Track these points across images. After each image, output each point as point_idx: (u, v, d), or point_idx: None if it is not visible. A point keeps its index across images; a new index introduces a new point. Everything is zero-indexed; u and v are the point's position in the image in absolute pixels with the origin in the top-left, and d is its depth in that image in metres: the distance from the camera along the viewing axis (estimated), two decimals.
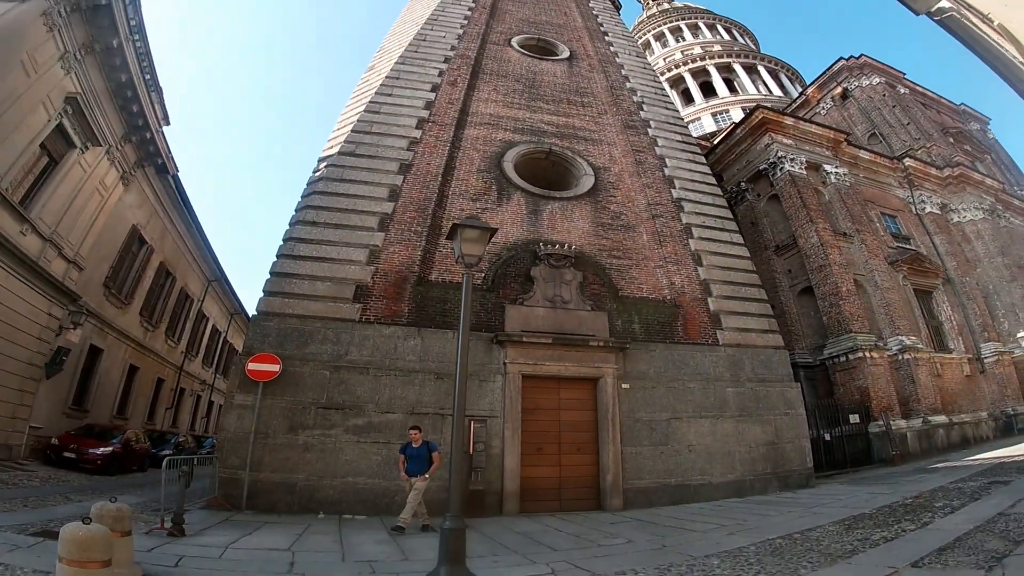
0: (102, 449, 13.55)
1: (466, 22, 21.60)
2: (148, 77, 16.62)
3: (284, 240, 11.24)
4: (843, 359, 17.07)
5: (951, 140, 29.69)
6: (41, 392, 13.77)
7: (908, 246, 22.23)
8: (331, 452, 8.76)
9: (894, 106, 28.79)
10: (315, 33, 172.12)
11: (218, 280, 25.90)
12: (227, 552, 5.83)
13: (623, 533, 7.47)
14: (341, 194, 12.44)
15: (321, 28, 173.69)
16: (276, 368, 8.95)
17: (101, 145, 15.06)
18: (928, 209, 24.13)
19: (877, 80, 29.70)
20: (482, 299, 11.31)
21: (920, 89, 32.48)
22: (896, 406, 16.52)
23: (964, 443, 17.63)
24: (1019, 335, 21.07)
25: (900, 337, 18.00)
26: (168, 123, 18.37)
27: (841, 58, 30.37)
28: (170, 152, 18.04)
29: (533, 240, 12.89)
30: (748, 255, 15.30)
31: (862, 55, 30.05)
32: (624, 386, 11.23)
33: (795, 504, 9.30)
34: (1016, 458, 12.92)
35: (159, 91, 17.60)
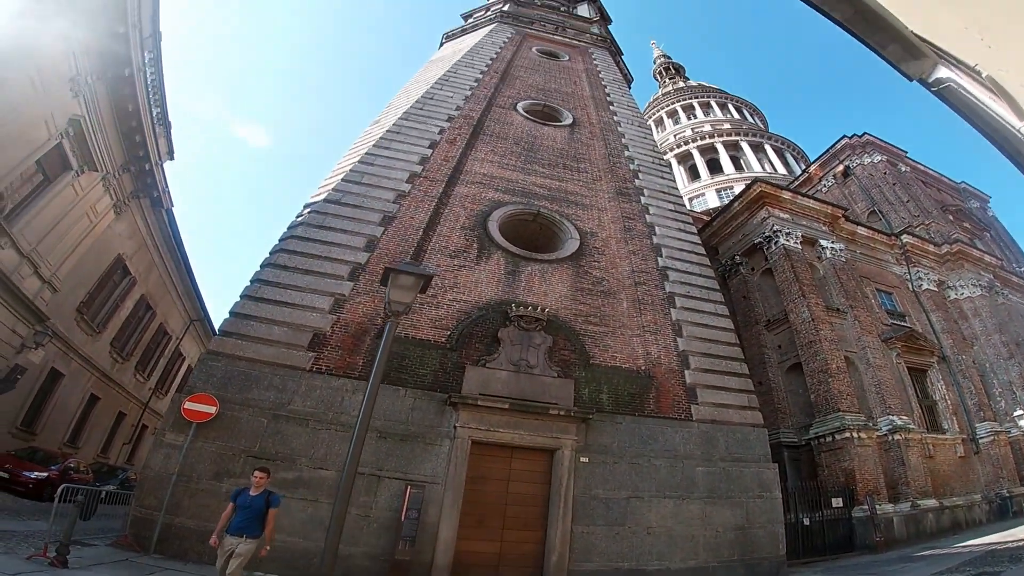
0: (36, 473, 13.22)
1: (476, 84, 22.39)
2: (157, 111, 17.10)
3: (251, 281, 11.20)
4: (829, 439, 16.33)
5: (950, 217, 29.86)
6: None
7: (903, 323, 21.82)
8: None
9: (894, 184, 29.14)
10: (343, 76, 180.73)
11: (200, 320, 25.81)
12: None
13: None
14: (318, 240, 12.48)
15: (347, 77, 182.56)
16: (212, 410, 8.71)
17: (98, 171, 15.23)
18: (925, 286, 23.88)
19: (879, 158, 30.24)
20: (442, 358, 11.04)
21: (921, 167, 33.05)
22: (883, 489, 15.69)
23: (955, 527, 16.57)
24: (1016, 414, 20.20)
25: (891, 417, 17.32)
26: (172, 158, 18.81)
27: (844, 136, 31.12)
28: (167, 187, 18.38)
29: (506, 301, 12.71)
30: (732, 327, 14.95)
31: (865, 134, 30.73)
32: (583, 460, 10.69)
33: None
34: (1009, 545, 12.10)
35: (167, 125, 18.08)
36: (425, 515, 8.97)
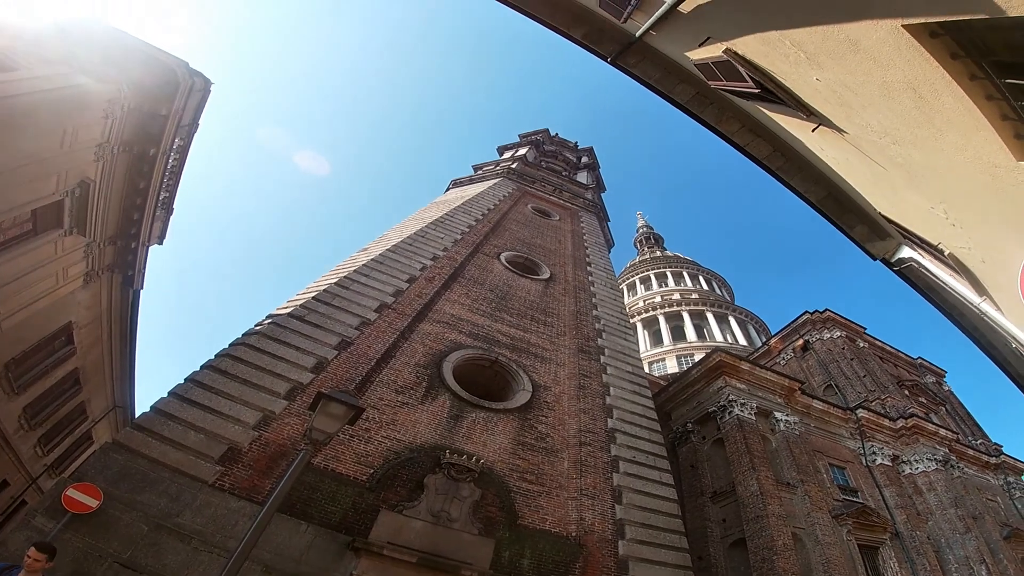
0: None
1: (468, 230, 23.90)
2: (165, 195, 17.53)
3: (185, 380, 11.01)
4: None
5: (906, 392, 30.42)
6: None
7: (855, 499, 21.18)
8: None
9: (852, 359, 29.94)
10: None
11: (124, 407, 24.52)
12: None
13: None
14: (268, 352, 12.46)
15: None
16: (94, 503, 8.04)
17: (85, 236, 15.16)
18: (879, 460, 23.54)
19: (838, 334, 31.51)
20: (357, 497, 10.44)
21: (879, 343, 34.38)
22: None
23: None
24: None
25: None
26: (161, 243, 19.25)
27: (806, 312, 32.70)
28: (144, 269, 18.50)
29: (442, 446, 12.40)
30: (675, 497, 14.44)
31: (826, 310, 32.39)
32: None
33: None
34: None
35: (169, 211, 18.57)
36: None
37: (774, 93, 4.55)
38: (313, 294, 15.36)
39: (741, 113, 6.90)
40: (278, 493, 5.56)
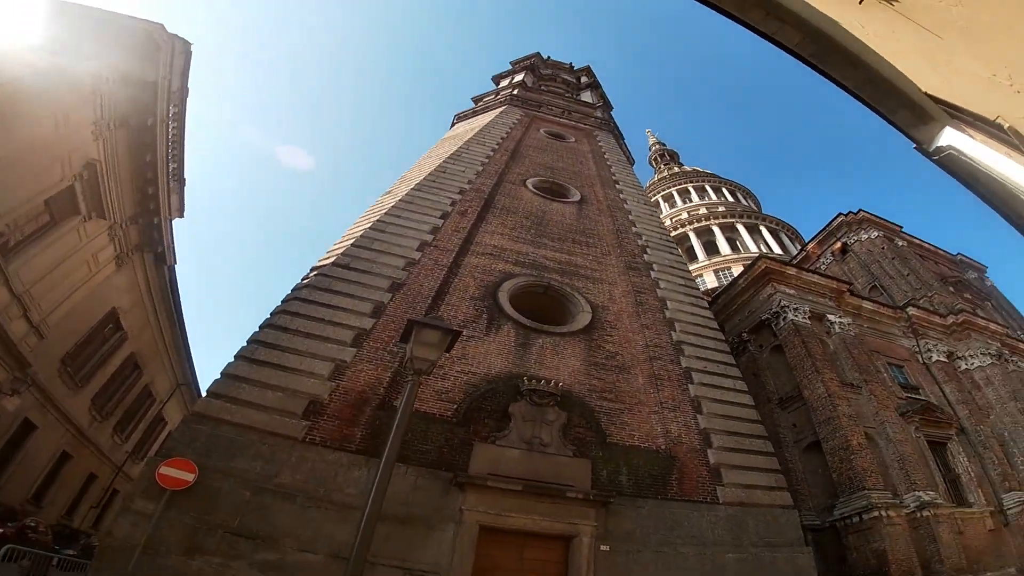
0: None
1: (487, 161, 22.79)
2: (174, 167, 16.95)
3: (248, 341, 10.51)
4: (856, 520, 14.96)
5: (951, 289, 29.67)
6: None
7: (918, 396, 20.96)
8: None
9: (893, 258, 29.22)
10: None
11: (188, 385, 24.67)
12: None
13: None
14: (323, 304, 11.93)
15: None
16: (191, 477, 7.74)
17: (106, 219, 14.81)
18: (935, 358, 23.18)
19: (876, 234, 30.46)
20: (448, 433, 10.10)
21: (917, 241, 33.38)
22: (917, 569, 14.17)
23: None
24: None
25: (918, 493, 16.07)
26: (182, 215, 18.58)
27: (840, 214, 31.51)
28: (173, 243, 17.99)
29: (517, 374, 11.95)
30: (752, 403, 14.18)
31: (860, 210, 31.10)
32: (603, 548, 9.52)
33: None
34: None
35: (181, 182, 17.92)
36: None
37: None
38: (351, 241, 14.68)
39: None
40: (395, 433, 5.12)
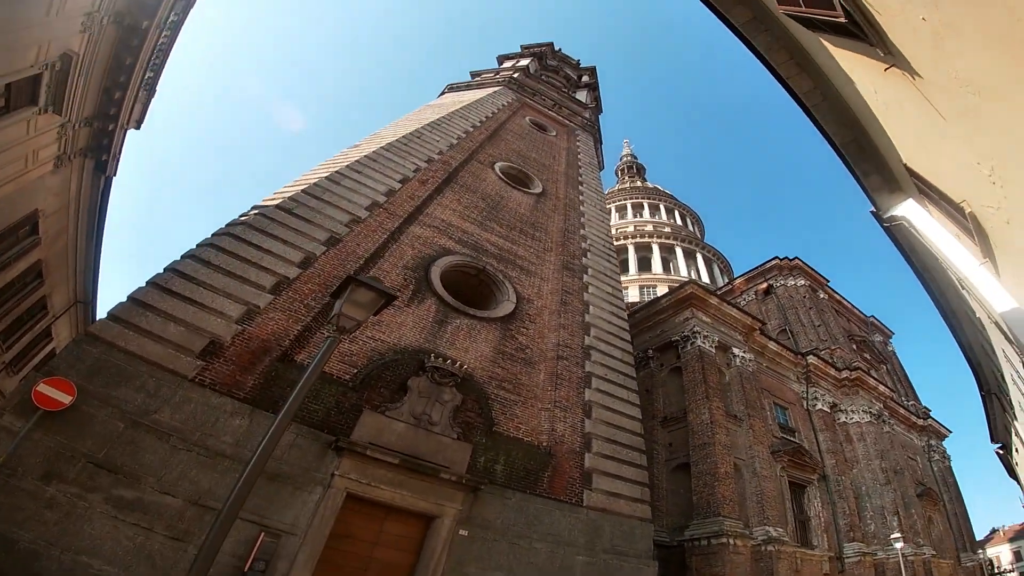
0: None
1: (464, 136, 22.72)
2: (150, 76, 16.03)
3: (164, 269, 10.45)
4: (705, 543, 16.43)
5: (854, 347, 32.46)
6: None
7: (792, 439, 22.87)
8: (76, 518, 7.18)
9: (811, 308, 31.42)
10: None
11: (86, 303, 23.40)
12: None
13: None
14: (254, 244, 11.87)
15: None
16: (68, 400, 7.69)
17: (61, 116, 13.83)
18: (819, 406, 25.28)
19: (802, 282, 32.79)
20: (341, 396, 10.47)
21: (838, 297, 36.06)
22: None
23: None
24: (892, 536, 20.58)
25: (768, 528, 17.75)
26: (138, 127, 17.82)
27: (776, 257, 33.62)
28: (120, 154, 17.28)
29: (426, 350, 12.43)
30: (639, 417, 15.21)
31: (796, 258, 33.35)
32: (462, 532, 10.25)
33: None
34: None
35: (151, 92, 16.99)
36: (272, 571, 8.10)
37: (860, 26, 4.03)
38: (302, 187, 14.59)
39: (794, 45, 6.30)
40: (301, 387, 4.78)
